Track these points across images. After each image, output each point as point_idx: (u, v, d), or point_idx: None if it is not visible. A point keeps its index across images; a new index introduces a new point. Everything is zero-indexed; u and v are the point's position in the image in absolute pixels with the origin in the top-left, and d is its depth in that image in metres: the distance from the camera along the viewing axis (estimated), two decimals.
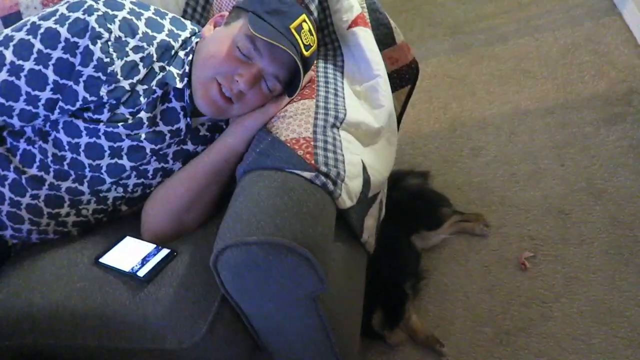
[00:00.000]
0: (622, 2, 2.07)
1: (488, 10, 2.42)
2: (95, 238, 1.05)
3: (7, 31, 0.91)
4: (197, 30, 1.04)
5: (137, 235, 1.02)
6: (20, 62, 0.88)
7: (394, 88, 1.31)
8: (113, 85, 0.91)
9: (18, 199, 0.99)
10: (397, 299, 1.26)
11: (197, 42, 1.01)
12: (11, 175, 0.97)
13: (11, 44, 0.88)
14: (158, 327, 0.88)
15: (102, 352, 0.94)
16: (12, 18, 1.26)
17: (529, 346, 1.16)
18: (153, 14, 0.97)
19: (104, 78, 0.90)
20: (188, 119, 1.02)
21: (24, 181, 0.97)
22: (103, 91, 0.91)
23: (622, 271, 1.25)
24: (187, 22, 1.04)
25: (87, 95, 0.91)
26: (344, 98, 1.03)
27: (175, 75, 0.96)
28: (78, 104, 0.92)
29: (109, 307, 0.91)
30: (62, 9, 0.90)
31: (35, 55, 0.88)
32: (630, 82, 1.75)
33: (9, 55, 0.88)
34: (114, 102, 0.93)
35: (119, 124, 0.95)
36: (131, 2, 0.94)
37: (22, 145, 0.98)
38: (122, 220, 1.10)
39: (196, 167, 1.01)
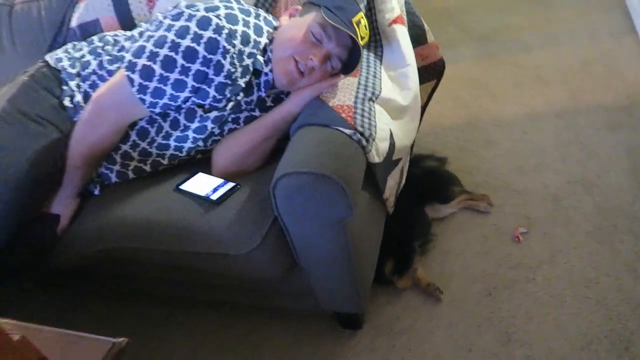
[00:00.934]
0: None
1: (516, 23, 2.65)
2: (171, 174, 1.34)
3: (150, 46, 1.16)
4: (275, 24, 1.31)
5: (208, 172, 1.30)
6: (167, 74, 1.16)
7: (422, 80, 1.57)
8: (234, 86, 1.21)
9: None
10: (407, 252, 1.51)
11: (275, 32, 1.28)
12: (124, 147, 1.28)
13: (158, 59, 1.15)
14: (222, 237, 1.16)
15: (175, 254, 1.23)
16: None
17: (512, 299, 1.41)
18: (254, 17, 1.24)
19: (229, 82, 1.19)
20: (261, 92, 1.29)
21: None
22: (227, 91, 1.21)
23: (598, 249, 1.48)
24: (271, 17, 1.32)
25: (216, 95, 1.21)
26: (380, 79, 1.30)
27: (262, 61, 1.24)
28: (208, 100, 1.21)
29: (186, 220, 1.20)
30: (193, 26, 1.13)
31: (179, 69, 1.15)
32: (635, 96, 1.97)
33: (157, 69, 1.15)
34: (232, 95, 1.22)
35: (227, 107, 1.24)
36: (240, 10, 1.21)
37: (141, 122, 1.27)
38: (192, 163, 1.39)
39: (260, 122, 1.29)
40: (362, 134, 1.13)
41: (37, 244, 1.31)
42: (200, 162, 1.37)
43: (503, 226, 1.62)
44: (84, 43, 1.41)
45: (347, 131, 1.12)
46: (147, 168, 1.34)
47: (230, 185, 1.23)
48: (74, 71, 1.32)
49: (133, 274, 1.44)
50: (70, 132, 1.26)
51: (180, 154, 1.33)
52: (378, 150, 1.18)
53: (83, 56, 1.36)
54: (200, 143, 1.32)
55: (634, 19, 2.40)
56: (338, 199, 1.05)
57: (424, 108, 1.64)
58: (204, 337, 1.51)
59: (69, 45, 1.42)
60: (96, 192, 1.36)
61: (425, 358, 1.33)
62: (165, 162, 1.34)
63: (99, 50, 1.36)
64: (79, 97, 1.30)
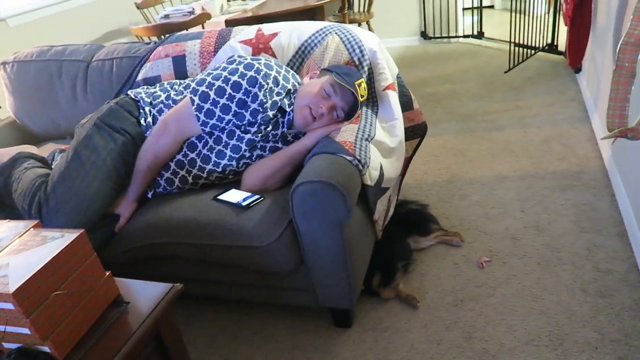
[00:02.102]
0: (592, 114, 2.78)
1: (493, 108, 3.17)
2: (210, 189, 1.73)
3: (209, 79, 1.63)
4: (299, 81, 1.77)
5: (237, 188, 1.70)
6: (218, 99, 1.61)
7: (408, 137, 2.01)
8: (264, 114, 1.64)
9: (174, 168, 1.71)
10: (391, 269, 1.86)
11: (298, 86, 1.74)
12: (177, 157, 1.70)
13: (213, 88, 1.61)
14: (249, 232, 1.52)
15: (210, 248, 1.58)
16: (179, 59, 2.05)
17: (474, 309, 1.74)
18: (285, 71, 1.71)
19: (261, 109, 1.63)
20: (284, 128, 1.72)
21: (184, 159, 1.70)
22: (259, 117, 1.64)
23: (545, 275, 1.83)
24: (297, 75, 1.78)
25: (251, 118, 1.64)
26: (374, 127, 1.73)
27: (286, 104, 1.68)
28: (245, 122, 1.65)
29: (222, 219, 1.57)
30: (241, 68, 1.62)
31: (227, 96, 1.61)
32: (583, 166, 2.41)
33: (212, 95, 1.62)
34: (262, 122, 1.65)
35: (258, 135, 1.67)
36: (275, 64, 1.68)
37: (192, 138, 1.69)
38: (226, 183, 1.79)
39: (282, 152, 1.71)
40: (359, 161, 1.54)
41: (98, 239, 1.67)
42: (231, 182, 1.77)
43: (471, 256, 1.98)
44: (156, 85, 1.87)
45: (349, 157, 1.52)
46: (190, 179, 1.73)
47: (257, 197, 1.62)
48: (148, 100, 1.77)
49: (167, 274, 1.78)
50: (142, 144, 1.68)
51: (217, 169, 1.72)
52: (371, 176, 1.58)
53: (155, 92, 1.81)
54: (234, 163, 1.72)
55: (588, 110, 2.90)
56: (340, 203, 1.43)
57: (409, 160, 2.06)
58: (221, 330, 1.82)
59: (144, 86, 1.88)
60: (149, 195, 1.74)
61: (403, 349, 1.63)
62: (204, 175, 1.74)
63: (168, 88, 1.81)
64: (149, 119, 1.73)
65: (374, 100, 1.88)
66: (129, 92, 1.82)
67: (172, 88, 1.82)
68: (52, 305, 1.01)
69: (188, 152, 1.69)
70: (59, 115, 2.35)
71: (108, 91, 2.23)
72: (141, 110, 1.74)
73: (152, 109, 1.75)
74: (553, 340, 1.57)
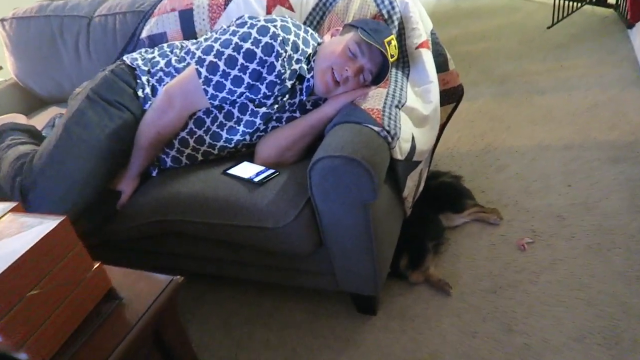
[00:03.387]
0: None
1: (534, 69, 2.88)
2: (220, 162, 1.56)
3: (217, 46, 1.40)
4: (319, 41, 1.55)
5: (251, 161, 1.51)
6: (229, 70, 1.39)
7: (443, 102, 1.78)
8: (282, 86, 1.43)
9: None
10: (421, 250, 1.68)
11: (319, 46, 1.52)
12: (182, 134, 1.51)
13: (223, 57, 1.38)
14: (262, 212, 1.35)
15: (220, 227, 1.42)
16: (186, 13, 1.84)
17: (514, 297, 1.55)
18: (303, 32, 1.48)
19: (279, 82, 1.42)
20: (303, 97, 1.52)
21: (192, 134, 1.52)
22: (276, 89, 1.43)
23: (595, 260, 1.62)
24: (316, 35, 1.56)
25: (267, 92, 1.43)
26: (406, 92, 1.51)
27: (305, 69, 1.47)
28: (259, 96, 1.44)
29: (232, 196, 1.40)
30: (254, 32, 1.36)
31: (239, 67, 1.38)
32: (638, 135, 2.15)
33: (221, 65, 1.39)
34: (279, 94, 1.44)
35: (275, 106, 1.46)
36: (293, 25, 1.45)
37: (199, 113, 1.50)
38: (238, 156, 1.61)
39: (300, 121, 1.51)
40: (388, 132, 1.33)
41: (98, 216, 1.52)
42: (244, 155, 1.59)
43: (510, 237, 1.78)
44: (155, 49, 1.67)
45: (376, 128, 1.32)
46: (199, 156, 1.56)
47: (271, 171, 1.44)
48: (145, 68, 1.57)
49: (176, 251, 1.63)
50: (141, 117, 1.50)
51: (229, 145, 1.54)
52: (401, 149, 1.37)
53: (154, 57, 1.61)
54: (247, 137, 1.53)
55: None
56: (365, 182, 1.24)
57: (443, 127, 1.84)
58: (234, 312, 1.68)
59: (142, 50, 1.68)
60: (154, 173, 1.58)
61: (433, 340, 1.47)
62: (215, 152, 1.56)
63: (167, 53, 1.61)
64: (148, 90, 1.54)
65: (404, 60, 1.65)
66: (124, 57, 1.62)
67: (172, 52, 1.61)
68: (28, 306, 0.86)
69: (195, 129, 1.51)
70: (62, 76, 2.18)
71: (112, 50, 2.04)
72: (138, 80, 1.55)
73: (150, 79, 1.55)
74: (607, 339, 1.38)
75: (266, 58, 1.38)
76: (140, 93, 1.53)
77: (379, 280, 1.46)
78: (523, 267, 1.65)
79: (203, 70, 1.40)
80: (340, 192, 1.28)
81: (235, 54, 1.38)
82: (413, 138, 1.44)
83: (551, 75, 2.78)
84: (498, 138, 2.32)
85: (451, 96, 1.82)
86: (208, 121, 1.51)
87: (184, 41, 1.69)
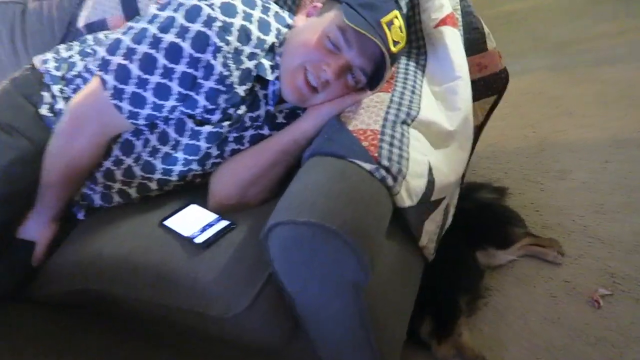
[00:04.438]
0: None
1: (600, 30, 2.26)
2: (164, 202, 1.12)
3: (128, 41, 0.94)
4: (289, 23, 1.06)
5: (203, 204, 1.07)
6: (147, 76, 0.93)
7: (479, 96, 1.27)
8: (230, 94, 0.97)
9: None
10: (450, 312, 1.21)
11: (287, 33, 1.03)
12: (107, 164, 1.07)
13: (135, 57, 0.93)
14: (206, 292, 0.91)
15: (154, 305, 1.00)
16: None
17: None
18: (261, 11, 1.00)
19: (223, 89, 0.95)
20: (269, 107, 1.04)
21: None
22: (221, 100, 0.97)
23: None
24: (286, 15, 1.07)
25: (208, 104, 0.97)
26: (420, 96, 1.01)
27: (267, 67, 0.99)
28: (198, 111, 0.98)
29: (165, 265, 0.96)
30: (180, 17, 0.91)
31: (160, 70, 0.92)
32: None
33: (135, 70, 0.93)
34: (229, 106, 0.98)
35: (224, 123, 1.00)
36: (242, 1, 0.97)
37: (126, 135, 1.05)
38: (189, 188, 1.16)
39: (267, 144, 1.04)
40: (388, 169, 0.85)
41: (7, 275, 1.13)
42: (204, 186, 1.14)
43: (578, 284, 1.27)
44: (75, 43, 1.22)
45: (368, 166, 0.84)
46: (133, 192, 1.12)
47: (224, 223, 0.99)
48: (58, 74, 1.13)
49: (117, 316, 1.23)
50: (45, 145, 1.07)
51: (170, 178, 1.10)
52: (410, 191, 0.89)
53: (71, 56, 1.17)
54: (195, 166, 1.08)
55: None
56: (347, 259, 0.77)
57: (479, 129, 1.33)
58: None
59: (62, 46, 1.24)
60: (80, 216, 1.15)
61: None
62: (154, 187, 1.12)
63: (88, 50, 1.16)
64: (61, 104, 1.10)
65: (420, 45, 1.14)
66: (34, 58, 1.19)
67: (93, 49, 1.16)
68: None
69: (122, 157, 1.07)
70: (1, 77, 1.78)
71: (52, 43, 1.60)
72: (45, 92, 1.11)
73: (65, 88, 1.11)
74: None
75: (199, 55, 0.91)
76: (44, 111, 1.09)
77: None
78: (599, 336, 1.16)
79: (110, 78, 0.95)
80: (314, 271, 0.83)
81: (153, 51, 0.92)
82: (430, 170, 0.95)
83: (624, 40, 2.15)
84: (557, 130, 1.77)
85: (491, 86, 1.30)
86: (138, 145, 1.06)
87: (114, 32, 1.24)
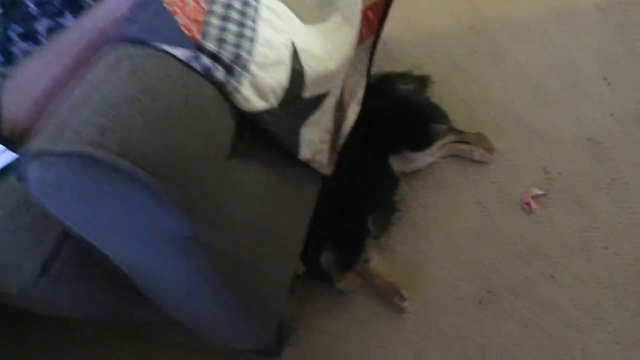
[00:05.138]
0: None
1: None
2: None
3: None
4: None
5: None
6: None
7: None
8: None
9: None
10: (355, 235, 0.98)
11: None
12: None
13: None
14: None
15: None
16: None
17: (517, 312, 0.90)
18: None
19: None
20: None
21: None
22: None
23: None
24: None
25: None
26: None
27: None
28: None
29: None
30: None
31: None
32: None
33: None
34: None
35: None
36: None
37: None
38: None
39: (65, 39, 0.71)
40: (216, 56, 0.56)
41: None
42: None
43: (510, 186, 1.06)
44: None
45: (182, 53, 0.54)
46: None
47: (10, 156, 0.68)
48: None
49: None
50: None
51: None
52: (260, 87, 0.61)
53: None
54: None
55: None
56: (146, 205, 0.50)
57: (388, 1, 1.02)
58: None
59: None
60: None
61: None
62: None
63: None
64: None
65: None
66: None
67: None
68: None
69: None
70: None
71: None
72: None
73: None
74: None
75: None
76: None
77: (261, 332, 0.79)
78: (532, 246, 0.97)
79: None
80: (107, 218, 0.55)
81: None
82: (296, 54, 0.65)
83: None
84: (494, 2, 1.47)
85: None
86: None
87: None
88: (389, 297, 0.95)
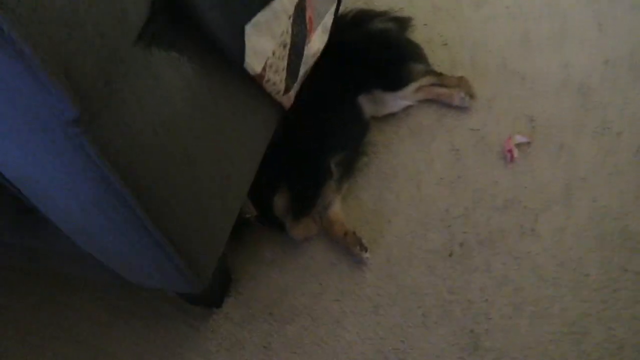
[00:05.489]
0: None
1: None
2: None
3: None
4: None
5: None
6: None
7: None
8: None
9: None
10: (314, 177, 0.87)
11: None
12: None
13: None
14: None
15: None
16: None
17: (491, 267, 0.79)
18: None
19: None
20: None
21: None
22: None
23: None
24: None
25: None
26: None
27: None
28: None
29: None
30: None
31: None
32: None
33: None
34: None
35: None
36: None
37: None
38: None
39: None
40: None
41: None
42: None
43: (489, 132, 0.95)
44: None
45: None
46: None
47: None
48: None
49: None
50: None
51: None
52: None
53: None
54: None
55: None
56: (21, 76, 0.37)
57: None
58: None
59: None
60: None
61: None
62: None
63: None
64: None
65: None
66: None
67: None
68: None
69: None
70: None
71: None
72: None
73: None
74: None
75: None
76: None
77: (196, 273, 0.66)
78: (510, 197, 0.86)
79: None
80: None
81: None
82: None
83: None
84: None
85: None
86: None
87: None
88: (349, 246, 0.83)
